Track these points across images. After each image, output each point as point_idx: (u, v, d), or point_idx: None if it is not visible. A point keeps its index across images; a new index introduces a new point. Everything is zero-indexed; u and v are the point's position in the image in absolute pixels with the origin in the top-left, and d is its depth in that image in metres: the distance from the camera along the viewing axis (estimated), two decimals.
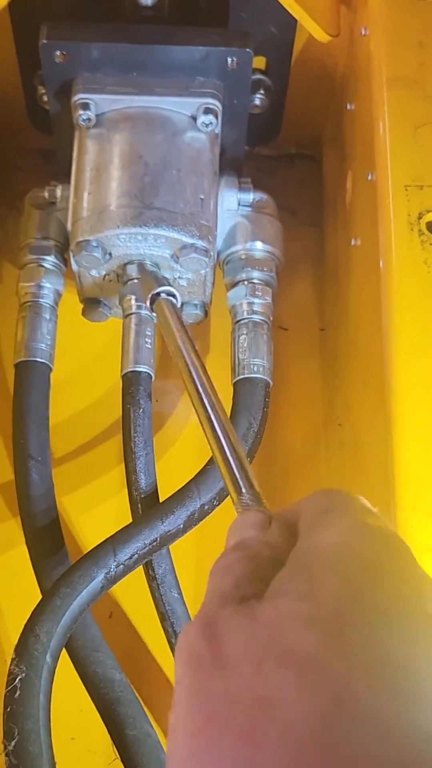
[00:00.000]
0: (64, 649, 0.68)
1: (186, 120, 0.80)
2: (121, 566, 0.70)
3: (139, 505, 0.75)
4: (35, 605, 0.69)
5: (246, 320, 0.81)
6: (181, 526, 0.72)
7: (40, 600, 0.68)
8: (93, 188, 0.78)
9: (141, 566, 0.73)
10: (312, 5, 0.80)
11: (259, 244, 0.83)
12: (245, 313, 0.81)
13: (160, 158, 0.78)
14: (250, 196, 0.84)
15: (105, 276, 0.81)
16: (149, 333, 0.79)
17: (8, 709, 0.62)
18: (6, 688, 0.63)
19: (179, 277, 0.80)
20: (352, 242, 0.81)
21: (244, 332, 0.81)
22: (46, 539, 0.76)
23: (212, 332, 0.93)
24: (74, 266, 0.79)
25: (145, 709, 0.72)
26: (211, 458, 0.76)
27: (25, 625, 0.66)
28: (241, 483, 0.49)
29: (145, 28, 0.79)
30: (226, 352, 0.83)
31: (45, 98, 0.85)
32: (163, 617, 0.75)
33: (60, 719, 0.65)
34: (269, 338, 0.81)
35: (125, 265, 0.79)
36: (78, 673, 0.72)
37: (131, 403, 0.77)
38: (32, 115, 0.92)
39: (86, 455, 0.88)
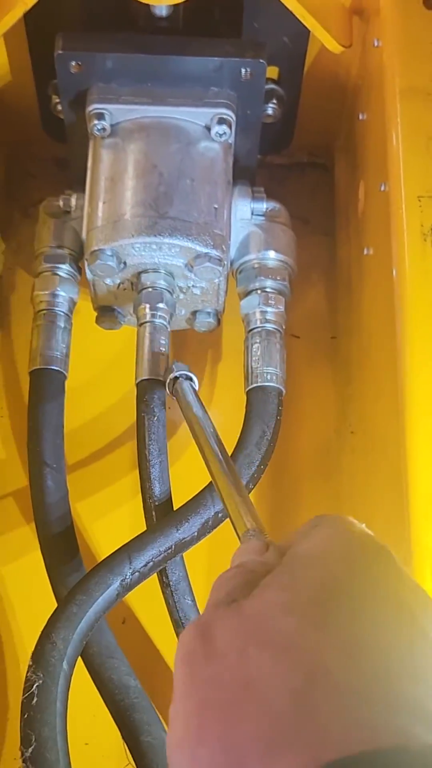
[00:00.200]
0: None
1: (200, 130, 0.80)
2: (137, 574, 0.70)
3: (154, 513, 0.75)
4: (51, 612, 0.69)
5: (259, 329, 0.82)
6: (196, 533, 0.73)
7: (57, 607, 0.69)
8: (108, 197, 0.79)
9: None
10: (325, 16, 0.80)
11: (272, 253, 0.83)
12: (258, 322, 0.82)
13: (174, 168, 0.78)
14: (263, 206, 0.84)
15: (119, 284, 0.81)
16: (163, 341, 0.79)
17: (26, 716, 0.62)
18: (23, 694, 0.63)
19: (193, 286, 0.81)
20: (365, 251, 0.82)
21: (257, 341, 0.81)
22: (61, 546, 0.77)
23: (224, 341, 0.93)
24: (89, 275, 0.80)
25: (159, 715, 0.72)
26: None
27: (42, 632, 0.66)
28: (245, 520, 0.55)
29: (159, 38, 0.80)
30: (239, 361, 0.83)
31: (59, 107, 0.86)
32: (177, 624, 0.75)
33: (74, 725, 0.65)
34: (282, 347, 0.82)
35: (139, 273, 0.79)
36: (93, 679, 0.72)
37: (146, 411, 0.77)
38: (46, 124, 0.93)
39: (99, 462, 0.89)
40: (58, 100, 0.86)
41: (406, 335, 0.68)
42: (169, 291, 0.79)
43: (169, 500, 0.76)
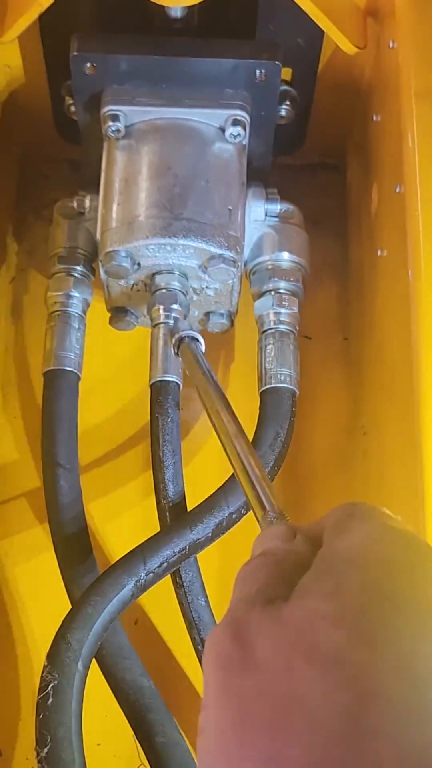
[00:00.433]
0: None
1: (214, 131, 0.80)
2: (151, 574, 0.70)
3: (168, 514, 0.76)
4: (64, 612, 0.69)
5: (273, 330, 0.82)
6: (210, 534, 0.73)
7: (72, 608, 0.69)
8: (122, 199, 0.79)
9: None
10: (339, 17, 0.81)
11: (285, 255, 0.83)
12: (272, 323, 0.82)
13: (188, 169, 0.78)
14: (277, 207, 0.84)
15: (133, 286, 0.82)
16: None
17: (41, 716, 0.62)
18: (38, 695, 0.63)
19: (207, 287, 0.81)
20: (378, 253, 0.82)
21: (271, 342, 0.81)
22: (75, 547, 0.77)
23: (238, 341, 0.93)
24: (103, 276, 0.80)
25: (172, 716, 0.72)
26: None
27: (57, 633, 0.66)
28: (264, 501, 0.50)
29: (174, 40, 0.80)
30: (252, 361, 0.84)
31: (72, 109, 0.86)
32: (191, 625, 0.75)
33: (86, 725, 0.65)
34: (296, 348, 0.82)
35: (153, 275, 0.79)
36: (107, 680, 0.73)
37: (160, 412, 0.77)
38: (59, 126, 0.93)
39: (112, 462, 0.89)
40: (71, 102, 0.86)
41: (420, 337, 0.68)
42: (183, 292, 0.80)
43: (183, 501, 0.77)
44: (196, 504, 0.75)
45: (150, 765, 0.69)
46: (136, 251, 0.77)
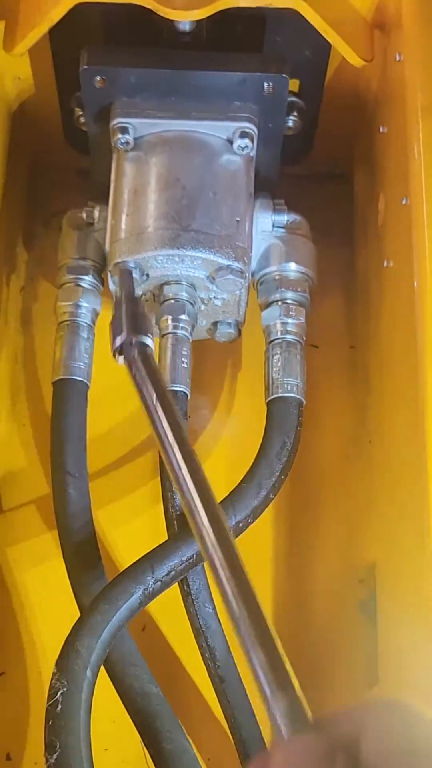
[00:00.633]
0: None
1: (222, 143, 0.81)
2: (159, 582, 0.71)
3: (175, 522, 0.76)
4: (73, 619, 0.70)
5: (279, 340, 0.83)
6: None
7: (80, 615, 0.70)
8: (131, 210, 0.80)
9: None
10: (346, 30, 0.81)
11: (292, 265, 0.84)
12: (279, 333, 0.83)
13: (197, 181, 0.79)
14: (284, 218, 0.85)
15: (141, 296, 0.82)
16: (185, 353, 0.80)
17: (50, 723, 0.63)
18: (47, 702, 0.64)
19: (214, 297, 0.82)
20: (385, 264, 0.82)
21: (278, 352, 0.82)
22: (84, 555, 0.77)
23: (245, 351, 0.94)
24: (112, 287, 0.81)
25: (179, 723, 0.73)
26: (246, 476, 0.77)
27: (66, 640, 0.67)
28: (273, 679, 0.39)
29: (183, 53, 0.81)
30: (258, 371, 0.84)
31: (82, 120, 0.87)
32: (198, 632, 0.76)
33: (94, 730, 0.66)
34: (302, 358, 0.83)
35: (162, 285, 0.80)
36: (115, 686, 0.73)
37: None
38: (68, 136, 0.94)
39: (120, 470, 0.90)
40: (81, 113, 0.87)
41: (426, 347, 0.68)
42: (191, 302, 0.80)
43: None
44: None
45: None
46: (145, 262, 0.78)
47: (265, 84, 0.80)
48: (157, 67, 0.80)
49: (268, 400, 0.81)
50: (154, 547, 0.74)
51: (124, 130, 0.80)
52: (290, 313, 0.83)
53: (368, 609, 0.81)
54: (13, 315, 0.95)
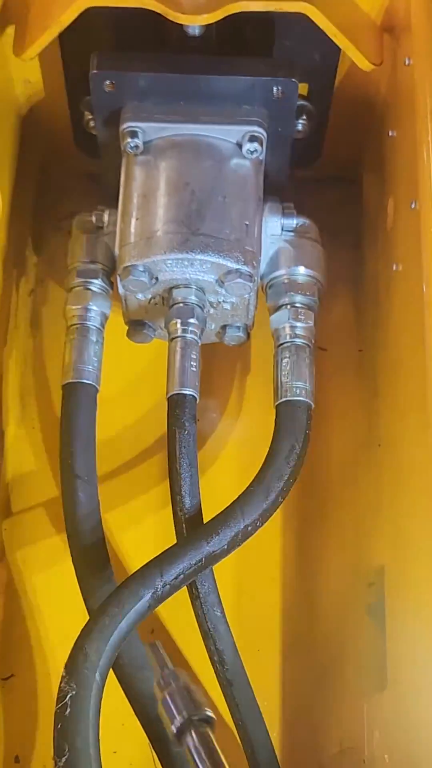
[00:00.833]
0: None
1: (231, 147, 0.81)
2: (168, 586, 0.71)
3: (184, 526, 0.76)
4: (81, 622, 0.70)
5: (288, 343, 0.83)
6: (226, 546, 0.74)
7: (89, 619, 0.70)
8: (140, 214, 0.80)
9: None
10: (356, 34, 0.81)
11: (301, 269, 0.84)
12: (288, 337, 0.83)
13: (206, 185, 0.79)
14: (293, 222, 0.85)
15: (151, 299, 0.83)
16: (194, 356, 0.80)
17: (59, 726, 0.63)
18: (56, 705, 0.64)
19: (223, 301, 0.82)
20: (394, 267, 0.82)
21: (287, 355, 0.82)
22: (93, 558, 0.78)
23: (254, 354, 0.94)
24: (121, 290, 0.81)
25: None
26: (254, 480, 0.77)
27: (75, 644, 0.67)
28: None
29: (192, 58, 0.81)
30: (267, 374, 0.84)
31: (92, 124, 0.87)
32: (206, 635, 0.76)
33: (102, 733, 0.66)
34: (311, 361, 0.83)
35: (171, 289, 0.80)
36: (123, 690, 0.73)
37: (176, 425, 0.78)
38: (78, 140, 0.94)
39: (129, 474, 0.90)
40: (90, 117, 0.87)
41: None
42: (200, 306, 0.81)
43: (199, 513, 0.77)
44: (212, 516, 0.76)
45: None
46: (154, 266, 0.78)
47: (275, 88, 0.80)
48: (167, 72, 0.80)
49: (276, 403, 0.81)
50: (163, 550, 0.74)
51: (133, 134, 0.80)
52: (299, 316, 0.83)
53: (377, 612, 0.81)
54: (22, 318, 0.96)
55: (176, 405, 0.79)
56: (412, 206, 0.75)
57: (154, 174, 0.80)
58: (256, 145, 0.80)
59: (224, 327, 0.86)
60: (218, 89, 0.80)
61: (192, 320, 0.80)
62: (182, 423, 0.78)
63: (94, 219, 0.86)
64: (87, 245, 0.85)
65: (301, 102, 0.88)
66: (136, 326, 0.86)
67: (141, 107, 0.81)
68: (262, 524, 0.76)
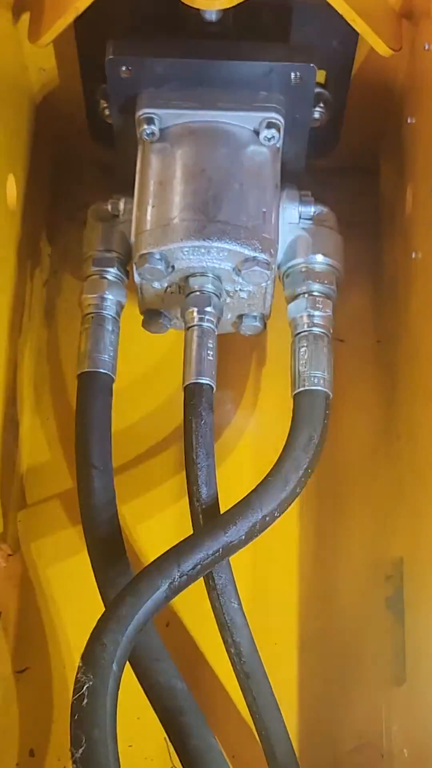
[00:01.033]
0: None
1: (248, 134, 0.80)
2: (185, 576, 0.70)
3: (201, 516, 0.76)
4: (97, 613, 0.69)
5: (306, 333, 0.82)
6: (243, 537, 0.73)
7: (106, 609, 0.69)
8: (156, 201, 0.79)
9: None
10: (374, 19, 0.80)
11: (319, 257, 0.83)
12: (305, 326, 0.82)
13: (223, 172, 0.79)
14: (311, 209, 0.84)
15: (167, 288, 0.82)
16: (211, 345, 0.79)
17: (76, 717, 0.62)
18: (73, 695, 0.63)
19: (240, 290, 0.81)
20: (413, 255, 0.81)
21: (305, 345, 0.81)
22: (108, 548, 0.77)
23: (270, 344, 0.93)
24: (137, 278, 0.81)
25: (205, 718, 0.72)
26: (272, 470, 0.76)
27: (92, 634, 0.66)
28: None
29: (209, 43, 0.80)
30: (284, 364, 0.83)
31: (107, 112, 0.87)
32: (223, 627, 0.75)
33: (118, 726, 0.65)
34: (329, 351, 0.82)
35: (187, 277, 0.80)
36: (140, 681, 0.73)
37: (193, 415, 0.77)
38: (92, 129, 0.93)
39: (145, 464, 0.89)
40: (105, 105, 0.86)
41: None
42: (216, 295, 0.80)
43: (216, 503, 0.77)
44: (229, 506, 0.75)
45: (183, 767, 0.69)
46: (171, 253, 0.78)
47: (292, 74, 0.79)
48: (184, 57, 0.79)
49: (294, 393, 0.80)
50: (180, 540, 0.73)
51: (149, 121, 0.79)
52: (317, 305, 0.82)
53: (395, 605, 0.80)
54: (37, 308, 0.95)
55: (193, 394, 0.78)
56: None
57: (171, 161, 0.80)
58: (273, 131, 0.80)
59: (240, 317, 0.85)
60: (236, 75, 0.79)
61: (209, 309, 0.79)
62: (199, 412, 0.77)
63: (109, 207, 0.85)
64: (102, 234, 0.85)
65: (319, 89, 0.87)
66: (152, 316, 0.85)
67: (157, 93, 0.80)
68: (280, 515, 0.75)
